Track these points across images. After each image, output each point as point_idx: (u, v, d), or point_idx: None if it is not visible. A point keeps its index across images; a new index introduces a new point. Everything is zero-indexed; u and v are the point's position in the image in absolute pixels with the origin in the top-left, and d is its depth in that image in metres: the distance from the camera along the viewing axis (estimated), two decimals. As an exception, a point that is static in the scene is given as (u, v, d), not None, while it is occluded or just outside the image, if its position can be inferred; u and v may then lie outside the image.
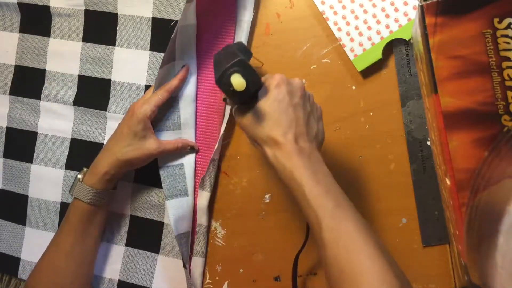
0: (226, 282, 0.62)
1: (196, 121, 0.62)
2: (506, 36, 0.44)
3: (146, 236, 0.64)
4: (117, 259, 0.64)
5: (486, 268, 0.44)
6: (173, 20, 0.61)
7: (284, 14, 0.60)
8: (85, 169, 0.59)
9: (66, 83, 0.66)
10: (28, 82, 0.67)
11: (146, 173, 0.63)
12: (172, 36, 0.57)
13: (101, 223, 0.60)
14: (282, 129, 0.43)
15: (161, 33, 0.62)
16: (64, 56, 0.65)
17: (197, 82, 0.62)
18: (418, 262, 0.57)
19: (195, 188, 0.62)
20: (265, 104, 0.44)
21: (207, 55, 0.62)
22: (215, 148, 0.61)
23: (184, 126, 0.61)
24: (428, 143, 0.57)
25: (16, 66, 0.67)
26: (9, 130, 0.68)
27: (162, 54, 0.62)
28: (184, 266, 0.59)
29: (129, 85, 0.64)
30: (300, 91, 0.45)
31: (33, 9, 0.66)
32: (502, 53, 0.44)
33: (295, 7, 0.60)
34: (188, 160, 0.62)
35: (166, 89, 0.58)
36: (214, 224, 0.63)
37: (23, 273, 0.67)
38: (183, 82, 0.60)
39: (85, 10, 0.64)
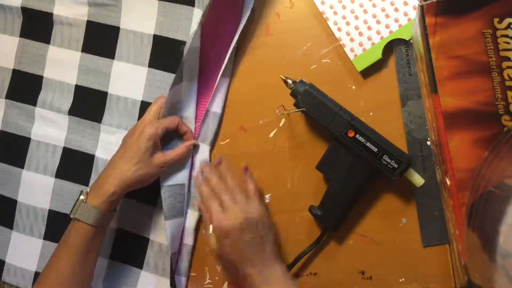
0: (226, 282, 0.62)
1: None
2: (506, 36, 0.44)
3: (131, 250, 0.64)
4: (100, 271, 0.64)
5: (486, 268, 0.44)
6: (175, 39, 0.62)
7: (284, 14, 0.60)
8: (85, 190, 0.56)
9: (62, 91, 0.65)
10: (25, 87, 0.67)
11: (138, 189, 0.62)
12: (183, 58, 0.57)
13: (101, 245, 0.58)
14: None
15: (161, 51, 0.62)
16: (63, 64, 0.65)
17: (197, 104, 0.62)
18: (418, 262, 0.57)
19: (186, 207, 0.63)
20: None
21: (210, 75, 0.62)
22: (195, 165, 0.61)
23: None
24: (428, 143, 0.57)
25: (14, 70, 0.67)
26: (3, 134, 0.68)
27: (160, 72, 0.62)
28: (173, 285, 0.59)
29: (125, 99, 0.64)
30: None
31: (35, 15, 0.66)
32: (502, 53, 0.44)
33: (295, 7, 0.60)
34: (188, 181, 0.62)
35: (179, 123, 0.59)
36: (214, 224, 0.63)
37: (7, 276, 0.67)
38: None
39: (87, 21, 0.64)
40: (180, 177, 0.61)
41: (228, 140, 0.62)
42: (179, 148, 0.59)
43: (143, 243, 0.63)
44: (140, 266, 0.63)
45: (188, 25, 0.61)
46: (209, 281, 0.63)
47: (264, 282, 0.51)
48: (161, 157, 0.57)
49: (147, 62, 0.63)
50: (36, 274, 0.66)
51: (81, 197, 0.55)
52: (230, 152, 0.62)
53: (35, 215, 0.66)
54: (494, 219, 0.43)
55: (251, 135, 0.62)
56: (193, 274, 0.63)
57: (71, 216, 0.55)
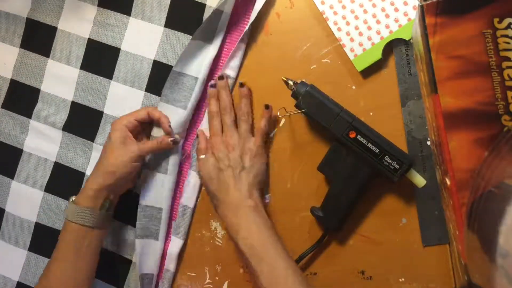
0: (226, 282, 0.62)
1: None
2: (506, 36, 0.44)
3: (114, 271, 0.64)
4: None
5: (486, 268, 0.44)
6: (172, 67, 0.61)
7: (284, 14, 0.60)
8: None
9: (58, 106, 0.65)
10: (22, 98, 0.67)
11: (124, 211, 0.63)
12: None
13: (94, 246, 0.57)
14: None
15: (159, 76, 0.62)
16: (61, 79, 0.65)
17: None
18: (418, 262, 0.57)
19: (167, 233, 0.63)
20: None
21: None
22: (184, 193, 0.61)
23: (171, 172, 0.61)
24: (428, 143, 0.57)
25: (12, 80, 0.67)
26: None
27: (156, 97, 0.63)
28: None
29: None
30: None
31: (39, 27, 0.65)
32: (502, 53, 0.44)
33: (295, 7, 0.60)
34: (167, 206, 0.62)
35: (149, 111, 0.59)
36: (214, 224, 0.63)
37: None
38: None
39: (89, 39, 0.64)
40: (159, 201, 0.61)
41: (228, 140, 0.62)
42: (156, 140, 0.59)
43: (126, 264, 0.63)
44: (121, 287, 0.64)
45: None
46: (209, 281, 0.63)
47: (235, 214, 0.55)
48: (134, 145, 0.58)
49: (144, 86, 0.63)
50: (19, 284, 0.66)
51: (72, 197, 0.57)
52: (230, 152, 0.62)
53: (21, 226, 0.66)
54: (494, 219, 0.43)
55: (251, 135, 0.62)
56: (193, 274, 0.63)
57: (64, 218, 0.56)
